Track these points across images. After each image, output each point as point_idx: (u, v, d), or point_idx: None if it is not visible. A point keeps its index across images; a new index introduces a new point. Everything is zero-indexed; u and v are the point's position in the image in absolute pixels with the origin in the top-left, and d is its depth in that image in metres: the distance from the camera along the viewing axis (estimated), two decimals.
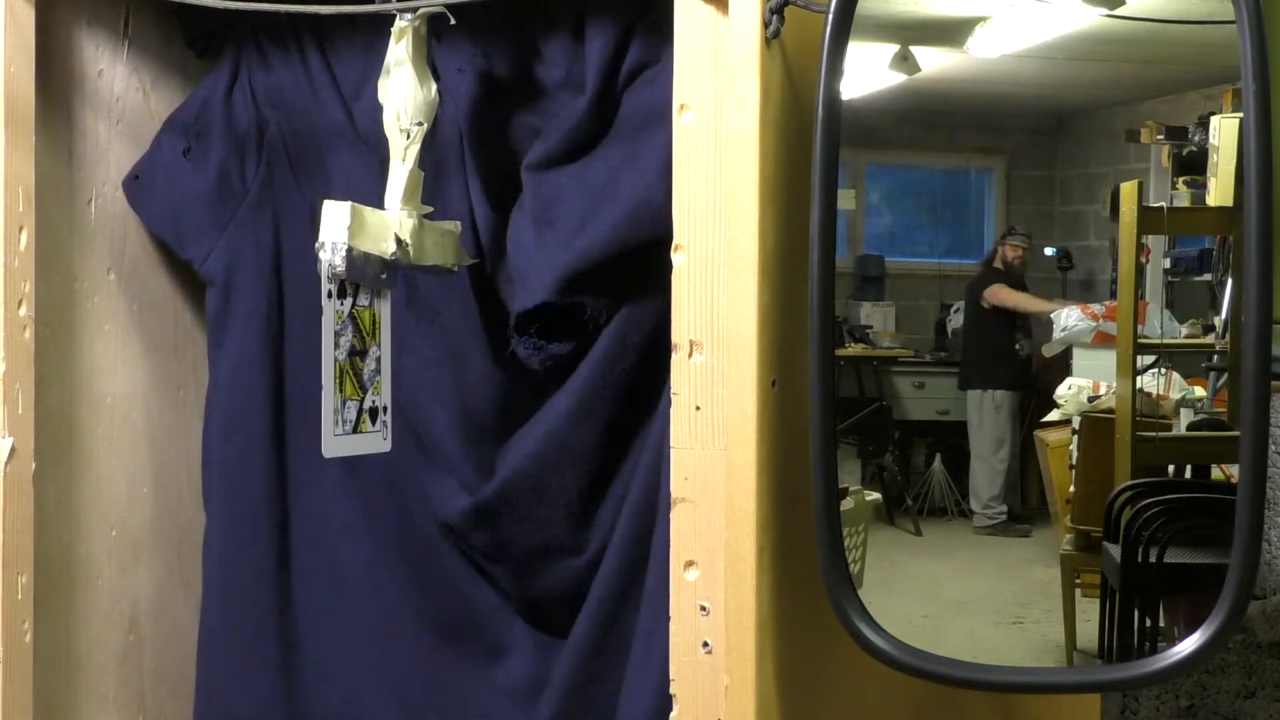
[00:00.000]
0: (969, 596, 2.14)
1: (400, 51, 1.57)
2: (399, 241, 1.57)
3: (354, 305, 1.62)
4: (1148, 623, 1.87)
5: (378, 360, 1.66)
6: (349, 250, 1.52)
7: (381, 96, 1.59)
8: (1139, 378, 2.05)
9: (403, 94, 1.58)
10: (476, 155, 1.71)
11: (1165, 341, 2.13)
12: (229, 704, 1.83)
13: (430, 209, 1.64)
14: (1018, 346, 2.35)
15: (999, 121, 2.33)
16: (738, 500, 1.30)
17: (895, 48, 2.02)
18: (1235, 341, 1.91)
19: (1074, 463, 2.19)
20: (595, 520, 1.69)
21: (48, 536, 1.72)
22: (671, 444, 1.33)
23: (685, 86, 1.32)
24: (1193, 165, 2.08)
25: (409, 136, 1.58)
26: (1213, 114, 1.99)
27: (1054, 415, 2.27)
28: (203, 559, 1.87)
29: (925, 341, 2.49)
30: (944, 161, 2.44)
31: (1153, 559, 1.79)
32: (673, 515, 1.33)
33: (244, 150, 1.81)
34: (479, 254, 1.72)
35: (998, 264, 2.33)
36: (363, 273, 1.57)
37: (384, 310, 1.67)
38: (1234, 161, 1.89)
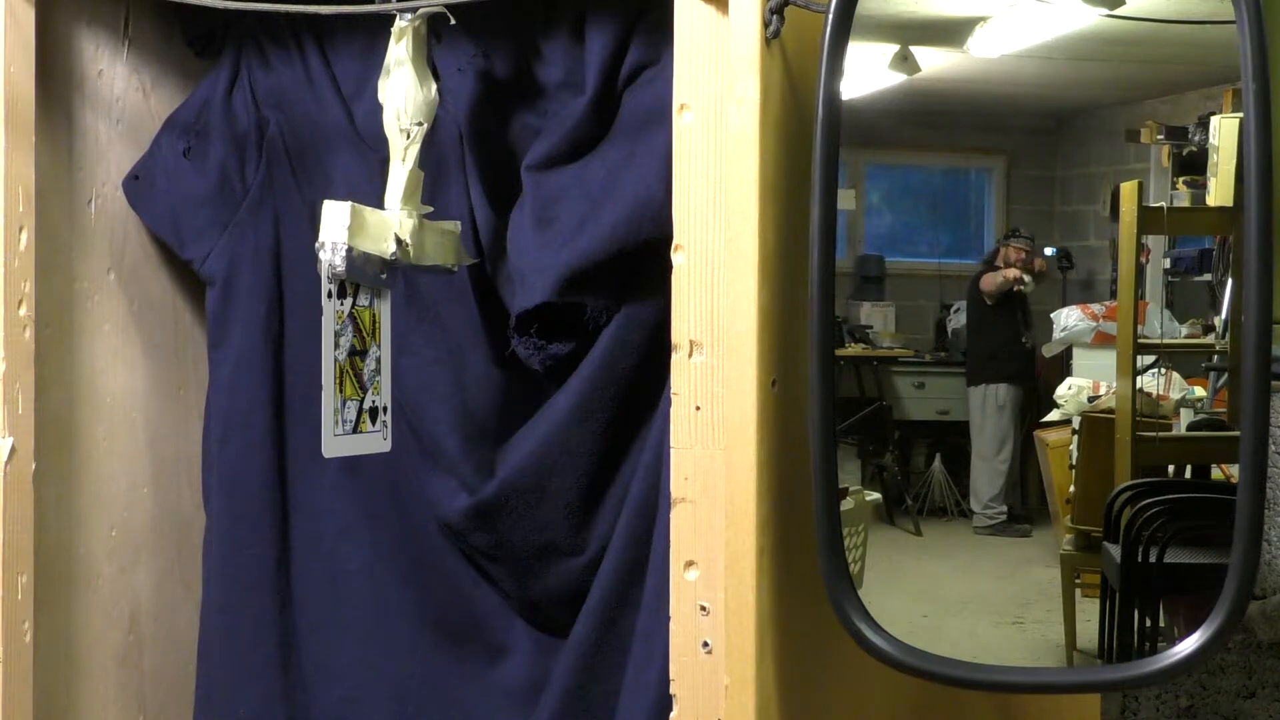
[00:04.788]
0: (969, 596, 2.14)
1: (400, 51, 1.57)
2: (399, 241, 1.57)
3: (354, 305, 1.62)
4: (1148, 623, 1.87)
5: (378, 360, 1.66)
6: (349, 250, 1.52)
7: (381, 96, 1.59)
8: (1139, 378, 2.05)
9: (403, 94, 1.58)
10: (476, 155, 1.71)
11: (1165, 341, 2.13)
12: (229, 704, 1.83)
13: (430, 209, 1.64)
14: (1023, 340, 2.35)
15: (999, 121, 2.33)
16: (738, 500, 1.30)
17: (895, 48, 2.02)
18: (1235, 341, 1.91)
19: (1074, 463, 2.19)
20: (595, 520, 1.69)
21: (48, 536, 1.72)
22: (671, 444, 1.33)
23: (685, 86, 1.32)
24: (1193, 165, 2.08)
25: (409, 136, 1.58)
26: (1213, 114, 1.99)
27: (1054, 415, 2.27)
28: (203, 559, 1.86)
29: (925, 341, 2.49)
30: (944, 161, 2.44)
31: (1153, 559, 1.79)
32: (673, 515, 1.33)
33: (244, 150, 1.80)
34: (479, 254, 1.72)
35: (999, 264, 2.33)
36: (363, 273, 1.57)
37: (384, 310, 1.67)
38: (1234, 161, 1.89)
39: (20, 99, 1.63)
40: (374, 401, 1.66)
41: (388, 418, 1.68)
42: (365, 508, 1.81)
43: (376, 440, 1.68)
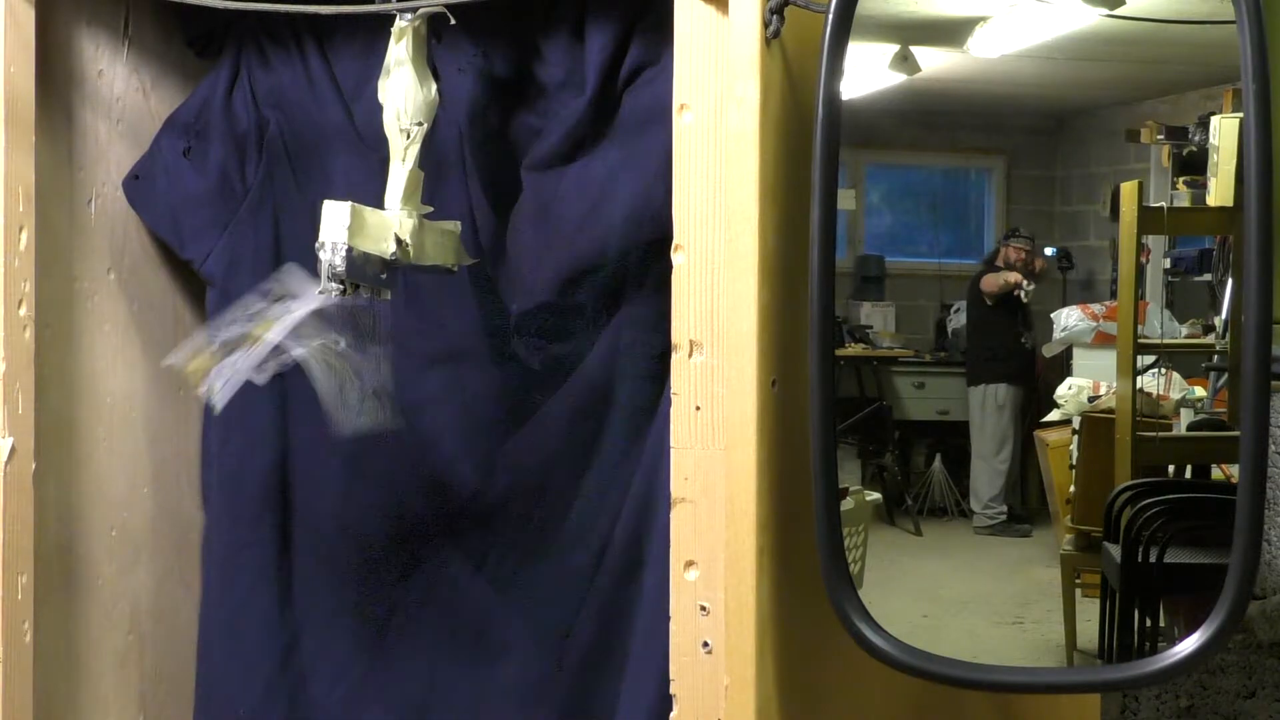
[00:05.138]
0: (969, 596, 2.15)
1: (400, 51, 1.57)
2: (399, 241, 1.57)
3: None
4: (1148, 623, 1.87)
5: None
6: (349, 250, 1.52)
7: (381, 96, 1.59)
8: (1139, 378, 2.05)
9: (403, 94, 1.58)
10: (476, 155, 1.71)
11: (1165, 341, 2.14)
12: (228, 703, 1.83)
13: (430, 209, 1.64)
14: (1023, 340, 2.36)
15: (999, 121, 2.33)
16: (738, 500, 1.30)
17: (895, 48, 2.02)
18: (1235, 341, 1.91)
19: (1074, 463, 2.19)
20: (596, 520, 1.69)
21: (48, 536, 1.72)
22: (671, 444, 1.33)
23: (685, 86, 1.32)
24: (1193, 165, 2.08)
25: (409, 136, 1.58)
26: (1213, 114, 1.99)
27: (1054, 415, 2.27)
28: (202, 558, 1.87)
29: (925, 341, 2.49)
30: (944, 161, 2.45)
31: (1153, 559, 1.79)
32: (673, 515, 1.33)
33: (244, 150, 1.80)
34: (479, 254, 1.72)
35: (1000, 264, 2.34)
36: (362, 273, 1.57)
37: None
38: (1234, 161, 1.89)
39: (20, 99, 1.63)
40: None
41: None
42: (365, 508, 1.81)
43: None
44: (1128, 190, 2.06)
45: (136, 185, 1.83)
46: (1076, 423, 2.20)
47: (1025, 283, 2.28)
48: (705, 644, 1.31)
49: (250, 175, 1.81)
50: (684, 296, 1.32)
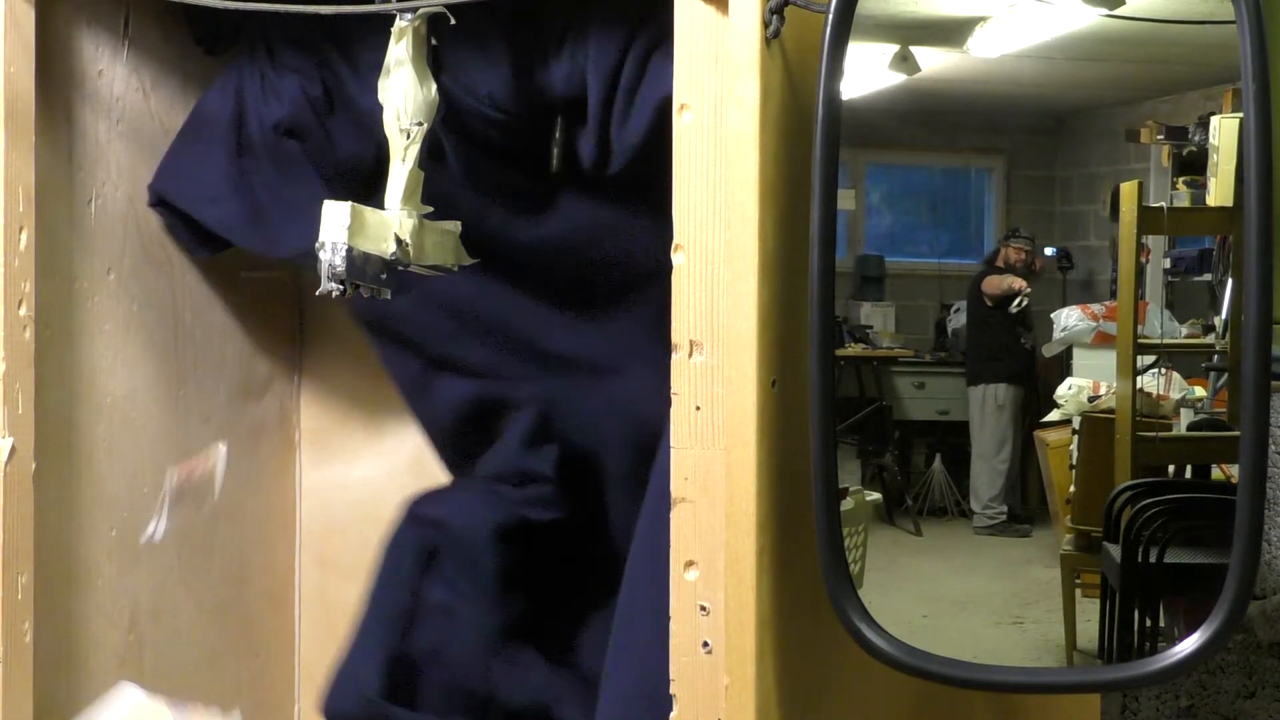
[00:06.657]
0: (969, 596, 2.14)
1: (400, 51, 1.57)
2: (399, 241, 1.57)
3: None
4: (1148, 623, 1.87)
5: None
6: (349, 250, 1.52)
7: (381, 96, 1.59)
8: (1139, 378, 2.05)
9: (403, 94, 1.58)
10: None
11: (1165, 341, 2.14)
12: None
13: (430, 209, 1.64)
14: (1022, 340, 2.35)
15: (999, 121, 2.33)
16: (738, 500, 1.30)
17: (895, 48, 2.02)
18: (1235, 341, 1.91)
19: (1074, 463, 2.19)
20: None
21: (48, 536, 1.72)
22: (671, 444, 1.33)
23: (685, 86, 1.32)
24: (1193, 165, 2.08)
25: (409, 136, 1.58)
26: (1213, 114, 1.99)
27: (1054, 415, 2.27)
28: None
29: (925, 341, 2.49)
30: (944, 161, 2.44)
31: (1153, 559, 1.79)
32: (673, 515, 1.33)
33: None
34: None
35: (1000, 264, 2.33)
36: (362, 273, 1.57)
37: None
38: (1234, 161, 1.89)
39: (20, 99, 1.63)
40: None
41: None
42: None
43: None
44: (1127, 190, 2.06)
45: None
46: (1076, 423, 2.20)
47: (1027, 290, 2.28)
48: (705, 644, 1.31)
49: None
50: (684, 296, 1.32)
